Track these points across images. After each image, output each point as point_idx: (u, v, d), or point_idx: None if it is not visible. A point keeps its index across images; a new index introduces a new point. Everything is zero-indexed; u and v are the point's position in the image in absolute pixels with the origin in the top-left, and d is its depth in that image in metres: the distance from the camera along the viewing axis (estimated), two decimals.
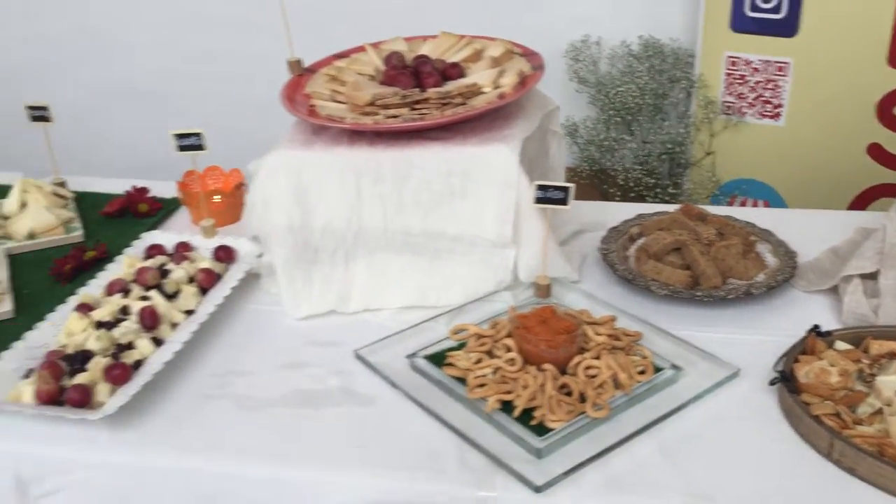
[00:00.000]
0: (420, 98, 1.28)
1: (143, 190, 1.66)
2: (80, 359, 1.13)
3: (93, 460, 1.06)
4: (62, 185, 1.66)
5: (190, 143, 1.40)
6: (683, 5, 2.32)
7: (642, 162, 2.22)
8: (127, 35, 2.38)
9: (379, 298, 1.31)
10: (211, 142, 1.42)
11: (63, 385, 1.10)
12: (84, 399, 1.07)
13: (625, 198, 2.18)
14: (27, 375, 1.13)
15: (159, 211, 1.63)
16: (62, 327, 1.23)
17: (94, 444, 1.06)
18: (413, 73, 1.35)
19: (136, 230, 1.54)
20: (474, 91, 1.30)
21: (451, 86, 1.32)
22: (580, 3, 2.31)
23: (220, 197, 1.59)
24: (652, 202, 2.06)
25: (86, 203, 1.65)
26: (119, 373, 1.11)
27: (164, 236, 1.46)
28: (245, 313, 1.32)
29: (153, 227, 1.57)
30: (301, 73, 1.45)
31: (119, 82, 2.38)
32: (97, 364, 1.12)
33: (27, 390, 1.08)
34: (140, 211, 1.61)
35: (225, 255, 1.40)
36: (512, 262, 1.29)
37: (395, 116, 1.27)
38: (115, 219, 1.60)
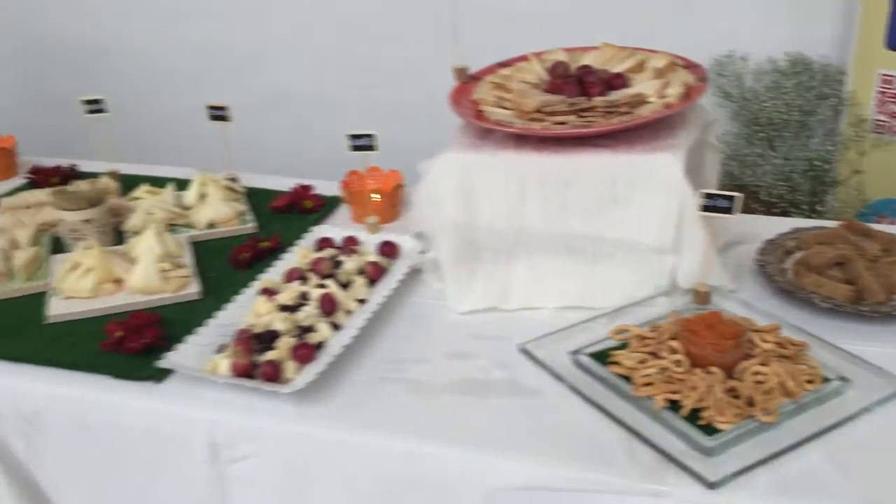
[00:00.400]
0: (587, 106, 1.33)
1: (308, 187, 1.76)
2: (269, 338, 1.23)
3: (281, 431, 1.14)
4: (234, 180, 1.79)
5: (362, 143, 1.49)
6: (835, 22, 2.29)
7: (785, 178, 2.20)
8: (295, 43, 2.52)
9: (538, 297, 1.36)
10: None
11: (254, 360, 1.19)
12: (275, 374, 1.16)
13: (767, 214, 2.16)
14: (219, 350, 1.23)
15: (322, 207, 1.73)
16: (248, 309, 1.33)
17: (283, 416, 1.15)
18: (578, 82, 1.40)
19: (302, 224, 1.65)
20: (640, 101, 1.34)
21: (617, 95, 1.36)
22: (726, 17, 2.31)
23: (379, 196, 1.67)
24: (796, 218, 2.04)
25: (255, 198, 1.76)
26: (305, 352, 1.20)
27: (333, 231, 1.56)
28: (409, 306, 1.40)
29: (317, 222, 1.67)
30: (466, 80, 1.53)
31: (285, 86, 2.52)
32: (285, 343, 1.21)
33: (223, 363, 1.18)
34: (305, 207, 1.72)
35: (389, 250, 1.49)
36: (670, 268, 1.32)
37: (561, 123, 1.32)
38: (282, 213, 1.71)
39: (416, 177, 1.71)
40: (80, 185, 1.57)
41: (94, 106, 1.76)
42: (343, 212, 1.73)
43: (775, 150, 2.28)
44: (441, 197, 1.37)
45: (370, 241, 1.53)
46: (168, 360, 1.20)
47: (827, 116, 2.27)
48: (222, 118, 1.74)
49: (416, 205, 1.44)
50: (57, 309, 1.37)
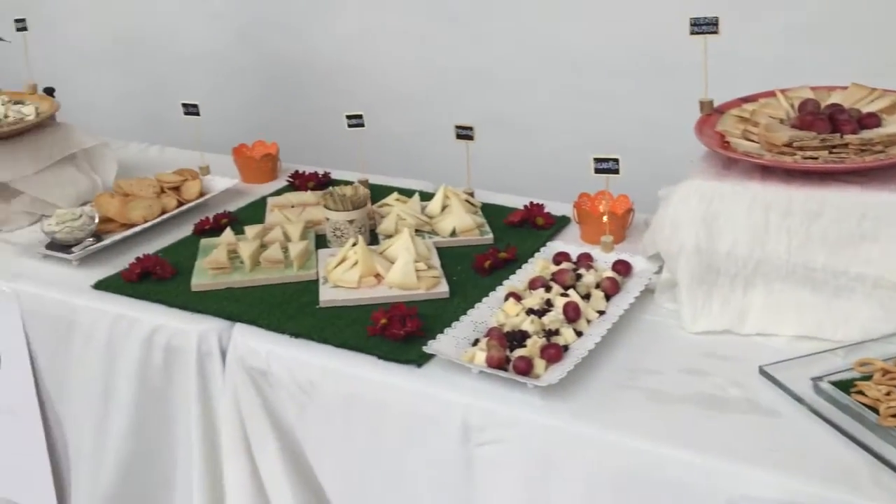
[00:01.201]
0: (839, 143, 1.37)
1: (540, 206, 1.88)
2: (519, 337, 1.34)
3: (529, 420, 1.25)
4: (472, 195, 1.93)
5: (607, 167, 1.59)
6: None
7: None
8: (504, 72, 2.69)
9: (774, 324, 1.40)
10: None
11: (507, 355, 1.31)
12: (527, 369, 1.28)
13: None
14: (474, 343, 1.36)
15: (552, 225, 1.84)
16: (496, 309, 1.46)
17: (531, 407, 1.26)
18: (829, 119, 1.44)
19: (534, 239, 1.77)
20: (894, 140, 1.36)
21: (871, 134, 1.39)
22: None
23: (608, 217, 1.76)
24: None
25: (489, 212, 1.90)
26: (553, 352, 1.31)
27: (568, 247, 1.66)
28: (642, 321, 1.48)
29: (548, 238, 1.78)
30: (710, 112, 1.60)
31: (508, 109, 2.68)
32: (534, 343, 1.32)
33: (479, 355, 1.31)
34: (537, 223, 1.84)
35: (623, 268, 1.57)
36: None
37: (812, 158, 1.37)
38: (515, 227, 1.84)
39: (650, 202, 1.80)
40: (345, 190, 1.76)
41: (356, 120, 1.96)
42: (572, 230, 1.83)
43: None
44: (683, 221, 1.44)
45: (603, 259, 1.62)
46: (431, 346, 1.35)
47: None
48: (467, 137, 1.90)
49: (655, 227, 1.52)
50: (327, 295, 1.55)
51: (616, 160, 1.58)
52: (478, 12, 2.69)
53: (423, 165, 2.52)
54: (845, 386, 1.22)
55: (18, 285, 1.67)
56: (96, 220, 1.79)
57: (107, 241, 1.76)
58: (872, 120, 1.43)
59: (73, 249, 1.72)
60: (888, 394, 1.18)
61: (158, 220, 1.86)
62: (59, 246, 1.74)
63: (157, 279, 1.64)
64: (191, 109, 2.05)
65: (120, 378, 1.59)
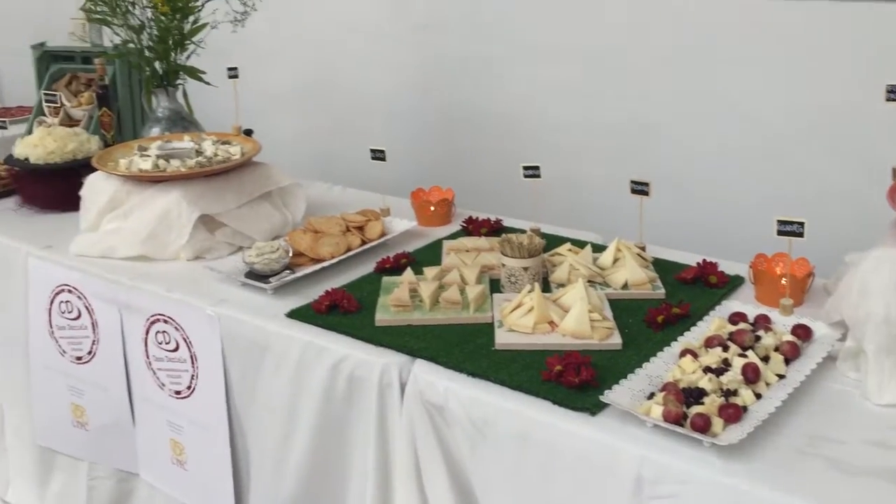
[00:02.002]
0: None
1: (714, 264, 1.88)
2: (696, 394, 1.35)
3: (704, 478, 1.26)
4: (643, 248, 1.96)
5: (791, 230, 1.58)
6: None
7: None
8: (679, 129, 2.70)
9: None
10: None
11: (683, 411, 1.32)
12: (705, 426, 1.28)
13: None
14: (650, 397, 1.38)
15: (726, 284, 1.83)
16: (671, 365, 1.47)
17: (707, 465, 1.26)
18: None
19: (707, 297, 1.77)
20: None
21: None
22: None
23: (786, 280, 1.74)
24: None
25: (659, 267, 1.92)
26: (733, 412, 1.31)
27: (745, 307, 1.66)
28: (823, 388, 1.45)
29: (722, 297, 1.77)
30: None
31: (665, 168, 2.70)
32: (712, 401, 1.33)
33: (656, 408, 1.33)
34: (710, 281, 1.83)
35: (803, 333, 1.55)
36: None
37: None
38: (688, 284, 1.84)
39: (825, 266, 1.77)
40: (521, 238, 1.83)
41: (532, 171, 2.03)
42: (745, 290, 1.82)
43: None
44: (873, 289, 1.41)
45: (781, 322, 1.61)
46: (608, 396, 1.38)
47: None
48: (642, 192, 1.93)
49: (840, 293, 1.49)
50: (503, 339, 1.61)
51: (801, 223, 1.57)
52: (652, 70, 2.73)
53: (592, 218, 2.56)
54: None
55: (220, 309, 1.83)
56: (290, 254, 1.94)
57: (299, 274, 1.90)
58: None
59: (270, 280, 1.87)
60: None
61: (344, 256, 1.99)
62: (256, 275, 1.90)
63: (344, 312, 1.75)
64: (378, 154, 2.19)
65: (305, 401, 1.71)
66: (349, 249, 2.01)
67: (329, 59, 3.52)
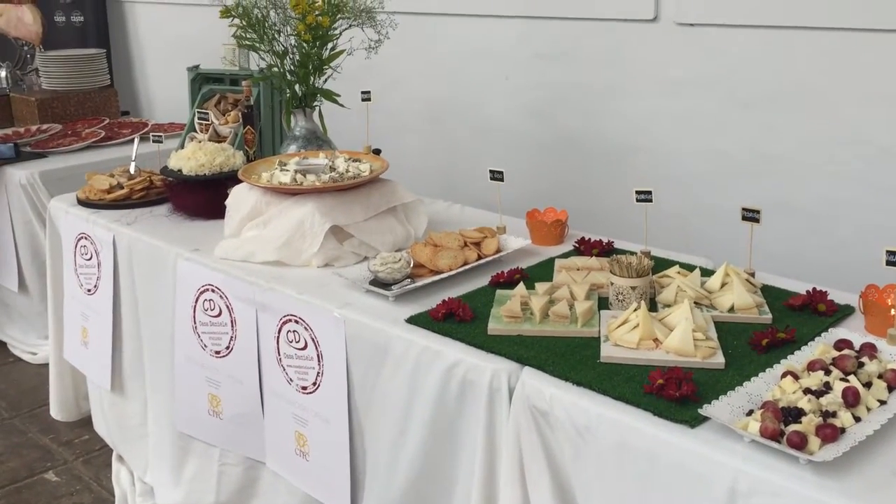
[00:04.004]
0: None
1: (824, 293, 1.90)
2: (794, 413, 1.40)
3: (798, 493, 1.30)
4: (752, 275, 2.00)
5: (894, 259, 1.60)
6: None
7: None
8: (794, 158, 2.72)
9: None
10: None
11: (781, 429, 1.37)
12: (802, 443, 1.33)
13: None
14: (748, 413, 1.44)
15: (835, 313, 1.85)
16: (772, 385, 1.52)
17: (801, 481, 1.31)
18: None
19: (814, 324, 1.80)
20: None
21: None
22: None
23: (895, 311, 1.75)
24: None
25: (768, 293, 1.95)
26: (830, 431, 1.35)
27: (852, 335, 1.68)
28: None
29: (830, 325, 1.80)
30: None
31: (779, 197, 2.71)
32: (809, 420, 1.37)
33: (753, 424, 1.39)
34: (819, 309, 1.86)
35: None
36: None
37: None
38: (796, 311, 1.87)
39: None
40: (630, 259, 1.91)
41: (644, 196, 2.11)
42: (855, 320, 1.83)
43: None
44: None
45: (888, 351, 1.62)
46: (707, 409, 1.45)
47: None
48: (753, 220, 1.97)
49: None
50: (608, 352, 1.70)
51: None
52: (765, 97, 2.76)
53: (702, 243, 2.60)
54: None
55: (346, 312, 1.99)
56: (411, 265, 2.08)
57: (419, 283, 2.04)
58: None
59: (392, 287, 2.02)
60: None
61: (461, 269, 2.12)
62: (379, 283, 2.05)
63: (459, 320, 1.88)
64: (496, 175, 2.32)
65: (419, 401, 1.84)
66: (466, 263, 2.14)
67: (454, 83, 3.69)
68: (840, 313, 1.85)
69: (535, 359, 1.70)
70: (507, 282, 2.07)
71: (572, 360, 1.70)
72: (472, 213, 2.66)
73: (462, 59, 3.62)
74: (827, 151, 2.68)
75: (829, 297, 1.88)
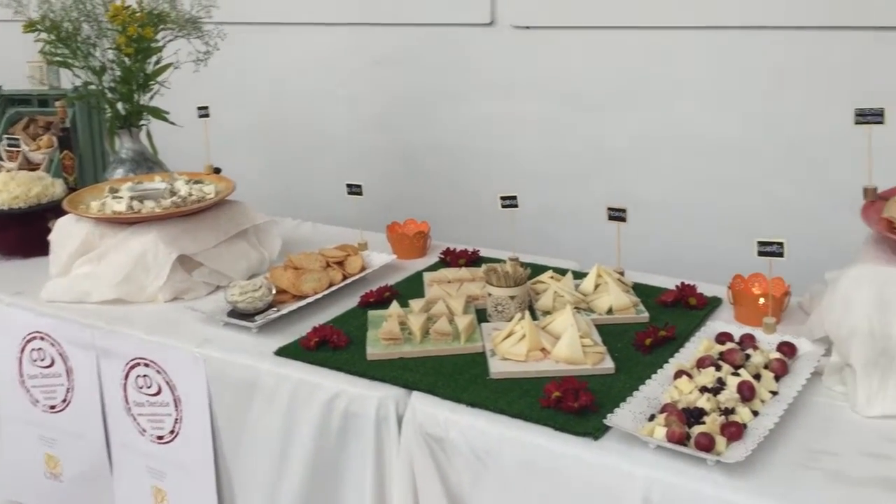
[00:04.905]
0: None
1: (693, 286, 1.92)
2: (696, 414, 1.38)
3: (712, 497, 1.28)
4: (622, 273, 1.99)
5: (771, 250, 1.63)
6: None
7: None
8: (642, 156, 2.78)
9: None
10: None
11: (686, 431, 1.35)
12: (710, 445, 1.31)
13: None
14: (650, 419, 1.41)
15: (706, 306, 1.88)
16: (667, 387, 1.50)
17: (713, 484, 1.29)
18: None
19: (689, 319, 1.81)
20: None
21: None
22: None
23: (766, 299, 1.79)
24: None
25: (639, 291, 1.96)
26: (735, 430, 1.34)
27: (729, 327, 1.70)
28: (813, 404, 1.49)
29: (703, 318, 1.82)
30: (874, 199, 1.63)
31: (627, 193, 2.77)
32: (713, 420, 1.36)
33: (659, 430, 1.35)
34: (690, 303, 1.88)
35: (789, 350, 1.60)
36: None
37: None
38: (668, 307, 1.89)
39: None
40: (506, 267, 1.85)
41: (510, 201, 2.06)
42: (724, 311, 1.86)
43: None
44: (855, 305, 1.46)
45: (766, 340, 1.65)
46: (611, 419, 1.40)
47: None
48: (620, 219, 1.97)
49: (823, 310, 1.55)
50: (498, 367, 1.62)
51: (780, 244, 1.62)
52: (618, 102, 2.81)
53: (565, 245, 2.60)
54: None
55: (206, 350, 1.80)
56: (273, 292, 1.92)
57: (284, 311, 1.89)
58: None
59: (255, 318, 1.85)
60: None
61: (327, 291, 1.98)
62: (240, 314, 1.87)
63: (334, 348, 1.74)
64: (354, 189, 2.20)
65: (297, 439, 1.69)
66: (332, 284, 2.01)
67: (288, 96, 3.52)
68: (710, 306, 1.88)
69: (422, 382, 1.60)
70: (378, 301, 1.96)
71: (462, 379, 1.61)
72: (326, 231, 2.52)
73: (296, 70, 3.46)
74: (668, 147, 2.77)
75: (698, 291, 1.91)
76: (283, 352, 1.75)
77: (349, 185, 2.21)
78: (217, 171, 2.45)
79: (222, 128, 3.61)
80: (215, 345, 1.81)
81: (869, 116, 1.59)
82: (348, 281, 2.05)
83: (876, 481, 1.27)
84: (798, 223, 2.47)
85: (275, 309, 1.89)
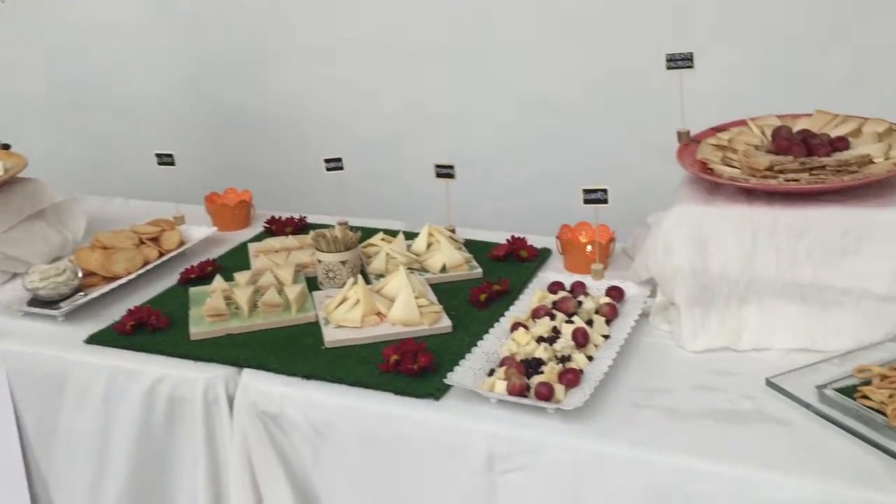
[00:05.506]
0: (818, 165, 1.46)
1: (523, 239, 1.93)
2: (535, 364, 1.38)
3: (554, 445, 1.28)
4: (453, 231, 1.97)
5: (595, 197, 1.65)
6: None
7: None
8: (468, 114, 2.77)
9: (769, 339, 1.48)
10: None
11: (526, 383, 1.34)
12: (549, 394, 1.31)
13: None
14: (490, 374, 1.39)
15: (536, 257, 1.89)
16: (505, 340, 1.49)
17: (555, 432, 1.29)
18: (803, 143, 1.54)
19: (521, 271, 1.82)
20: (867, 161, 1.47)
21: (846, 155, 1.49)
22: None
23: (593, 247, 1.82)
24: None
25: (471, 247, 1.94)
26: (572, 377, 1.35)
27: (560, 276, 1.71)
28: (643, 344, 1.53)
29: (535, 269, 1.83)
30: (688, 142, 1.68)
31: (455, 152, 2.76)
32: (551, 369, 1.36)
33: (500, 384, 1.34)
34: (521, 256, 1.88)
35: (617, 294, 1.63)
36: None
37: (794, 180, 1.46)
38: (501, 261, 1.88)
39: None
40: (335, 232, 1.77)
41: (335, 164, 1.98)
42: (555, 261, 1.88)
43: None
44: (676, 245, 1.50)
45: (595, 286, 1.68)
46: (450, 378, 1.37)
47: None
48: (448, 175, 1.94)
49: (647, 252, 1.58)
50: (332, 336, 1.55)
51: (605, 191, 1.64)
52: (433, 57, 2.77)
53: (393, 206, 2.55)
54: (848, 392, 1.29)
55: (4, 345, 1.61)
56: (79, 275, 1.75)
57: (93, 295, 1.72)
58: (842, 143, 1.54)
59: (60, 305, 1.68)
60: (891, 396, 1.25)
61: (142, 271, 1.83)
62: (41, 302, 1.70)
63: (153, 330, 1.61)
64: (165, 159, 2.04)
65: (118, 434, 1.55)
66: (146, 263, 1.86)
67: (86, 63, 3.23)
68: (541, 257, 1.89)
69: (252, 358, 1.51)
70: (200, 276, 1.83)
71: (295, 351, 1.53)
72: (139, 206, 2.33)
73: (93, 36, 3.17)
74: (490, 103, 2.76)
75: (528, 243, 1.91)
76: (94, 339, 1.60)
77: (159, 155, 2.04)
78: (6, 147, 2.20)
79: (13, 98, 3.29)
80: (15, 338, 1.64)
81: (679, 62, 1.63)
82: (165, 258, 1.90)
83: (707, 413, 1.31)
84: (621, 173, 2.53)
85: (82, 293, 1.73)
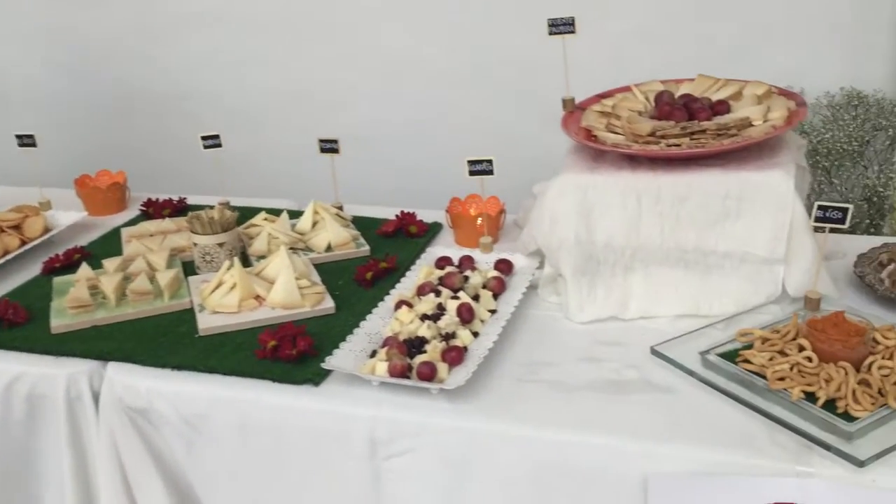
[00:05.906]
0: (698, 129, 1.45)
1: (412, 214, 1.87)
2: (417, 343, 1.32)
3: (438, 426, 1.23)
4: (340, 208, 1.90)
5: (481, 168, 1.60)
6: (886, 59, 2.42)
7: None
8: (360, 88, 2.68)
9: (655, 306, 1.46)
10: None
11: (409, 363, 1.29)
12: (432, 374, 1.26)
13: None
14: (372, 355, 1.33)
15: (426, 232, 1.84)
16: (387, 319, 1.43)
17: (439, 412, 1.24)
18: (685, 108, 1.52)
19: (411, 247, 1.76)
20: (746, 123, 1.46)
21: (726, 119, 1.48)
22: (782, 55, 2.45)
23: (482, 219, 1.78)
24: (878, 236, 2.13)
25: (359, 224, 1.87)
26: (455, 354, 1.30)
27: (448, 251, 1.66)
28: (530, 317, 1.49)
29: (425, 245, 1.77)
30: (573, 109, 1.65)
31: (342, 128, 2.68)
32: (434, 347, 1.31)
33: (381, 365, 1.28)
34: (410, 231, 1.83)
35: (506, 267, 1.59)
36: (780, 277, 1.42)
37: (675, 145, 1.44)
38: (389, 238, 1.82)
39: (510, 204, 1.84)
40: (211, 213, 1.68)
41: (212, 141, 1.88)
42: (445, 236, 1.83)
43: (834, 179, 2.40)
44: (561, 215, 1.47)
45: (484, 260, 1.64)
46: (329, 362, 1.30)
47: (883, 147, 2.39)
48: (333, 150, 1.86)
49: (533, 223, 1.55)
50: (207, 322, 1.47)
51: (490, 161, 1.60)
52: (316, 32, 2.67)
53: (279, 185, 2.45)
54: (731, 356, 1.29)
55: None
56: None
57: None
58: (723, 106, 1.53)
59: None
60: (771, 359, 1.25)
61: (1, 261, 1.69)
62: None
63: (11, 325, 1.49)
64: (26, 141, 1.90)
65: None
66: (7, 252, 1.72)
67: None
68: (431, 232, 1.84)
69: (119, 351, 1.41)
70: (66, 265, 1.71)
71: (166, 341, 1.44)
72: (1, 192, 2.17)
73: None
74: (377, 77, 2.69)
75: (418, 218, 1.86)
76: None
77: (18, 137, 1.90)
78: None
79: None
80: None
81: (561, 27, 1.59)
82: (28, 246, 1.77)
83: (591, 384, 1.29)
84: (511, 144, 2.50)
85: None
